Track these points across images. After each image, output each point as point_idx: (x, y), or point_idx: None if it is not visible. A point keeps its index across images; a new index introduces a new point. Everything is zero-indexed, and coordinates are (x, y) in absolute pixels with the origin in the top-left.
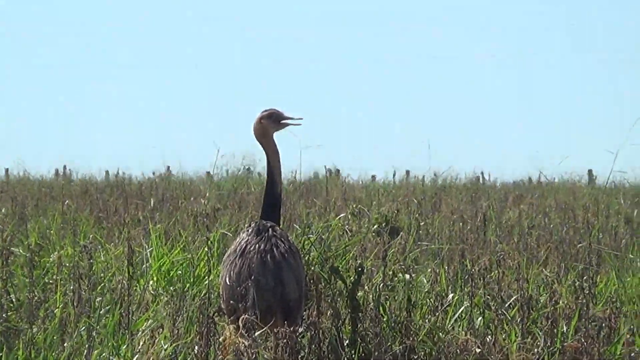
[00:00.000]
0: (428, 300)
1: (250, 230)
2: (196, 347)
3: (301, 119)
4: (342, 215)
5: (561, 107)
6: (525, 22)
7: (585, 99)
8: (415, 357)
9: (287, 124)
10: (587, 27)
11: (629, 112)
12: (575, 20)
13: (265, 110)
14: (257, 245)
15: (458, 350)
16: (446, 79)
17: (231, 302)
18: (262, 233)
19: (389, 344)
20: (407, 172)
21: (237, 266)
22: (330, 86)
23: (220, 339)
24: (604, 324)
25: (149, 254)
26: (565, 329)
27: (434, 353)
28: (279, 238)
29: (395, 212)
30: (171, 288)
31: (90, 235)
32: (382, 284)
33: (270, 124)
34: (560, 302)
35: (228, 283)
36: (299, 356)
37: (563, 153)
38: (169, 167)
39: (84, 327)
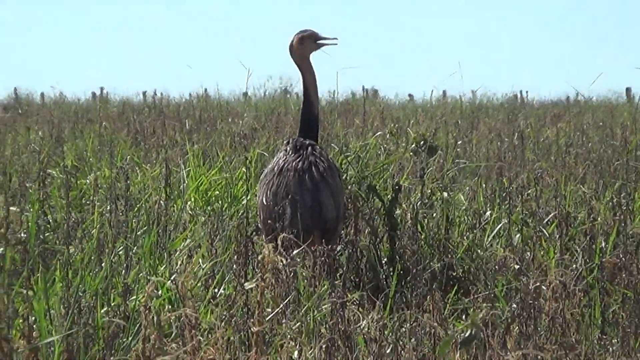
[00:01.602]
0: (466, 217)
1: (288, 148)
2: (234, 266)
3: (336, 39)
4: (379, 133)
5: (599, 25)
6: None
7: (622, 18)
8: (454, 273)
9: (323, 44)
10: None
11: None
12: None
13: (303, 31)
14: (294, 164)
15: (496, 266)
16: (484, 1)
17: (269, 221)
18: (301, 151)
19: (427, 261)
20: (444, 91)
21: (274, 185)
22: (366, 7)
23: (259, 258)
24: None
25: (186, 175)
26: (603, 245)
27: (472, 270)
28: (317, 157)
29: (433, 131)
30: (209, 208)
31: (127, 157)
32: (420, 202)
33: (308, 44)
34: (599, 219)
35: (265, 203)
36: (337, 274)
37: (601, 71)
38: (206, 88)
39: (121, 248)
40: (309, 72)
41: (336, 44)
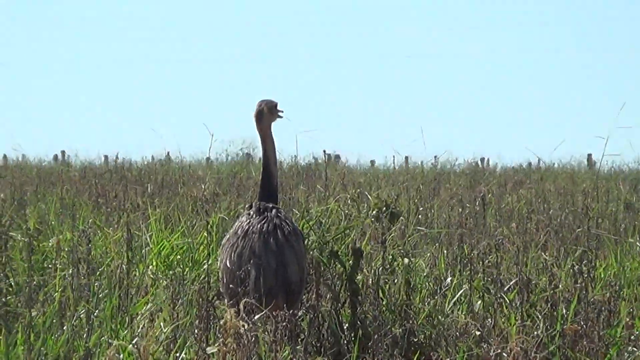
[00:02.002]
0: (427, 284)
1: (251, 212)
2: (195, 331)
3: (282, 111)
4: (339, 197)
5: (561, 93)
6: (521, 13)
7: (584, 85)
8: (415, 340)
9: (279, 116)
10: (580, 18)
11: (620, 97)
12: (568, 12)
13: (269, 101)
14: (259, 226)
15: (458, 333)
16: (447, 68)
17: (231, 285)
18: (265, 213)
19: (389, 327)
20: (406, 157)
21: (239, 247)
22: (330, 73)
23: (221, 322)
24: (603, 308)
25: (148, 239)
26: (564, 312)
27: (433, 336)
28: (282, 219)
29: (395, 197)
30: (170, 272)
31: (89, 220)
32: (381, 268)
33: (275, 113)
34: (560, 286)
35: (228, 266)
36: (299, 339)
37: (563, 138)
38: (168, 152)
39: (82, 311)
40: (270, 142)
41: (282, 117)
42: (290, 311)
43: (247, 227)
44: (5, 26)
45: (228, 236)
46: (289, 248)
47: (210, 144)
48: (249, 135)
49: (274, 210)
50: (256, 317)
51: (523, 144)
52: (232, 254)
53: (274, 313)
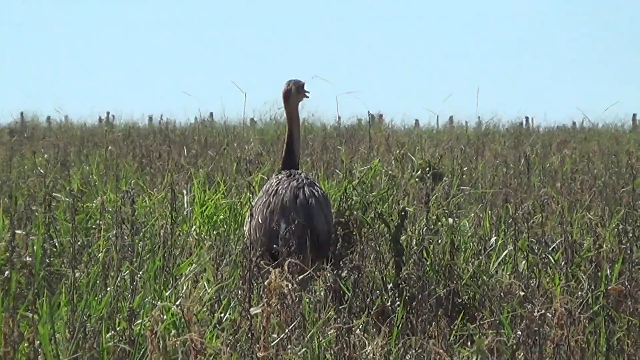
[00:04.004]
0: (471, 244)
1: (280, 175)
2: (239, 291)
3: (309, 92)
4: (377, 158)
5: (606, 53)
6: None
7: (630, 44)
8: (459, 300)
9: (306, 96)
10: None
11: None
12: None
13: (297, 81)
14: (289, 184)
15: (502, 293)
16: (490, 26)
17: (263, 239)
18: (294, 175)
19: (433, 287)
20: (451, 117)
21: (271, 204)
22: (376, 33)
23: (265, 283)
24: None
25: (191, 199)
26: (608, 272)
27: (477, 296)
28: (311, 180)
29: (439, 157)
30: (214, 232)
31: (133, 181)
32: (425, 228)
33: (302, 93)
34: (604, 246)
35: (260, 222)
36: (343, 299)
37: (607, 98)
38: (211, 113)
39: (126, 272)
40: (297, 121)
41: (309, 97)
42: (322, 262)
43: (276, 186)
44: None
45: (259, 195)
46: (316, 203)
47: (245, 102)
48: None
49: (302, 174)
50: (300, 277)
51: (566, 104)
52: (265, 210)
53: (318, 274)
